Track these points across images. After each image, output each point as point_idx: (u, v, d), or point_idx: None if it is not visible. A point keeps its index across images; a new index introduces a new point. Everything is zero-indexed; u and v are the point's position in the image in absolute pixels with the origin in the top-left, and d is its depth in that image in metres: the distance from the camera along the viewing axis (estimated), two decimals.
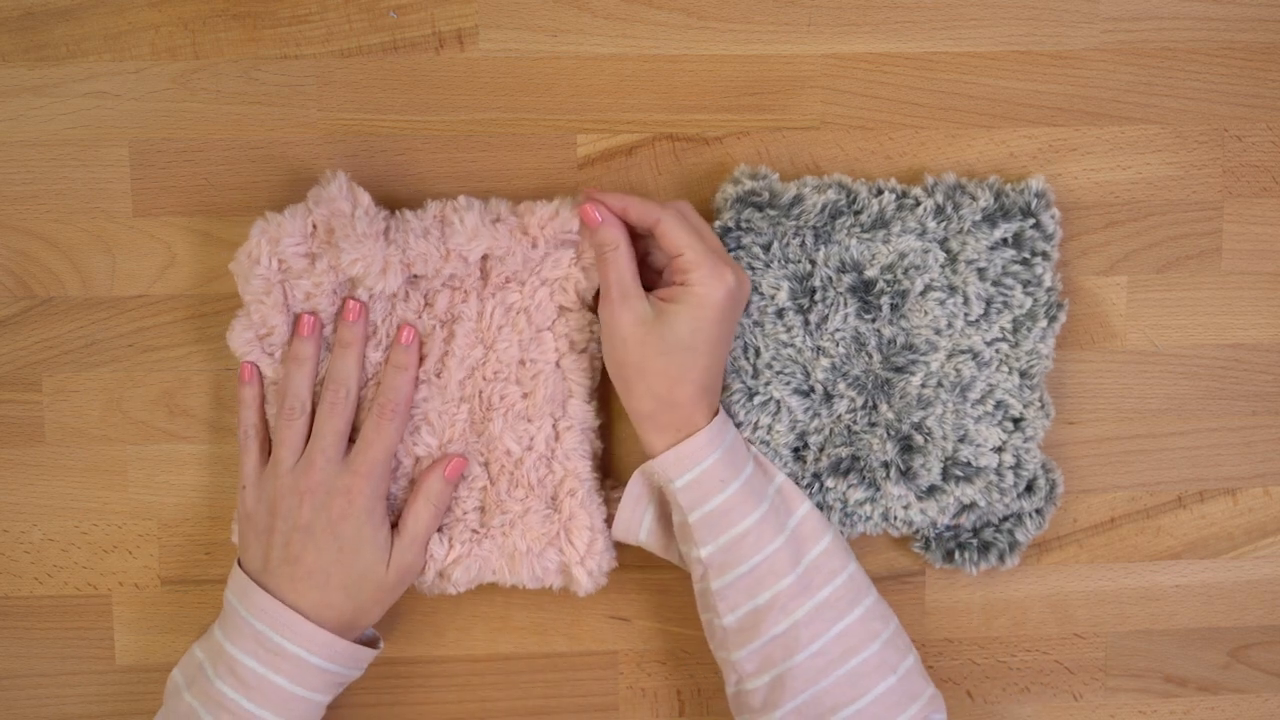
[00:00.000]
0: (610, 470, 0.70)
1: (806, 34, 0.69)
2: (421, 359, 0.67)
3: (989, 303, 0.67)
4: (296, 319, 0.65)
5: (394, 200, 0.68)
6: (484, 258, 0.66)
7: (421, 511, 0.65)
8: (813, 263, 0.67)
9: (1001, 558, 0.69)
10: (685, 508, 0.63)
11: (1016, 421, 0.68)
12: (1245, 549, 0.73)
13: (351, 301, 0.64)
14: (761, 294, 0.67)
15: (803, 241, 0.67)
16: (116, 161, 0.67)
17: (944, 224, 0.67)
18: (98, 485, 0.69)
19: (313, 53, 0.67)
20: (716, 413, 0.64)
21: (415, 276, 0.66)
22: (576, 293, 0.66)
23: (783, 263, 0.67)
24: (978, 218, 0.66)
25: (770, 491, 0.64)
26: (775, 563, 0.62)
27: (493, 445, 0.67)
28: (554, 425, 0.67)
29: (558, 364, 0.67)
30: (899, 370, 0.67)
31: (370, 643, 0.67)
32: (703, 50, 0.68)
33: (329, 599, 0.63)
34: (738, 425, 0.67)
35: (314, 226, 0.64)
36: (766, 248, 0.66)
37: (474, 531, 0.67)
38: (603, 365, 0.68)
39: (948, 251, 0.67)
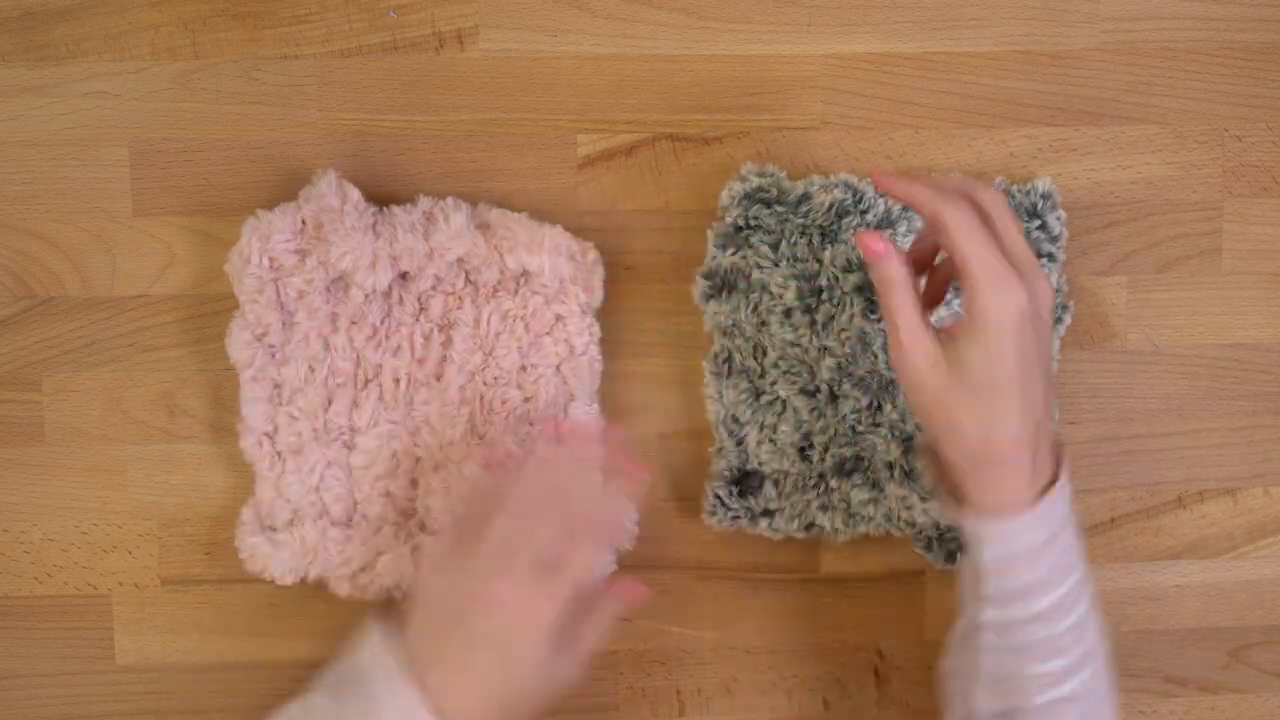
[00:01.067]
0: (608, 472, 0.70)
1: (806, 34, 0.69)
2: (421, 362, 0.67)
3: None
4: (552, 423, 0.61)
5: (394, 200, 0.67)
6: (466, 262, 0.66)
7: (590, 635, 0.58)
8: (820, 262, 0.67)
9: None
10: (986, 572, 0.55)
11: None
12: (1245, 549, 0.73)
13: (557, 420, 0.60)
14: (770, 293, 0.67)
15: (810, 240, 0.67)
16: (116, 161, 0.67)
17: None
18: (98, 485, 0.69)
19: (313, 53, 0.67)
20: (1052, 478, 0.55)
21: (405, 277, 0.66)
22: (577, 303, 0.66)
23: (791, 262, 0.67)
24: None
25: (1075, 575, 0.56)
26: (1057, 644, 0.56)
27: (494, 447, 0.67)
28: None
29: (558, 368, 0.67)
30: None
31: None
32: (703, 50, 0.68)
33: (479, 710, 0.55)
34: (744, 426, 0.67)
35: (304, 223, 0.64)
36: (775, 247, 0.66)
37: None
38: (603, 367, 0.68)
39: None
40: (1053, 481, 0.55)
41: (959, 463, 0.55)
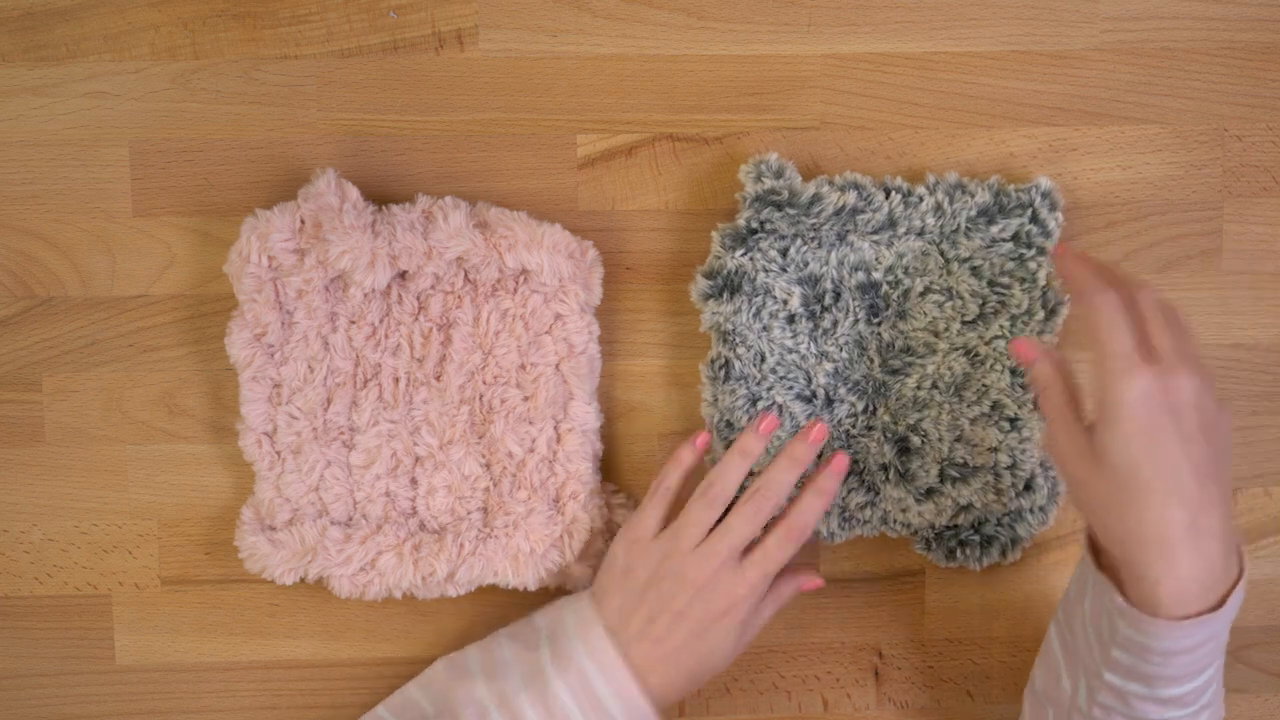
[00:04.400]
0: (609, 471, 0.70)
1: (806, 34, 0.69)
2: (420, 361, 0.67)
3: (984, 302, 0.67)
4: (762, 417, 0.66)
5: (393, 200, 0.67)
6: (465, 260, 0.66)
7: (766, 613, 0.66)
8: (825, 267, 0.67)
9: (1004, 553, 0.69)
10: (1119, 639, 0.54)
11: (1013, 421, 0.68)
12: (1245, 549, 0.73)
13: (819, 425, 0.65)
14: (774, 297, 0.66)
15: (819, 243, 0.67)
16: (116, 161, 0.67)
17: (941, 221, 0.67)
18: (98, 485, 0.69)
19: (313, 53, 0.67)
20: (1225, 592, 0.52)
21: (404, 276, 0.66)
22: (576, 302, 0.66)
23: (799, 267, 0.67)
24: (973, 213, 0.66)
25: (1211, 669, 0.55)
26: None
27: (494, 447, 0.67)
28: (555, 427, 0.67)
29: (557, 367, 0.67)
30: (894, 373, 0.67)
31: None
32: (703, 50, 0.68)
33: (671, 681, 0.62)
34: (739, 431, 0.67)
35: (302, 222, 0.64)
36: (784, 253, 0.66)
37: (477, 532, 0.67)
38: (603, 365, 0.68)
39: (942, 253, 0.67)
40: (1223, 598, 0.53)
41: (1110, 550, 0.55)
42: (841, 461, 0.65)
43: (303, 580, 0.68)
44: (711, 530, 0.63)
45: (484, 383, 0.67)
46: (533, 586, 0.67)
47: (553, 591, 0.69)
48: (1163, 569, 0.52)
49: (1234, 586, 0.53)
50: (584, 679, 0.61)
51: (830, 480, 0.65)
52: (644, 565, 0.63)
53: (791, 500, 0.65)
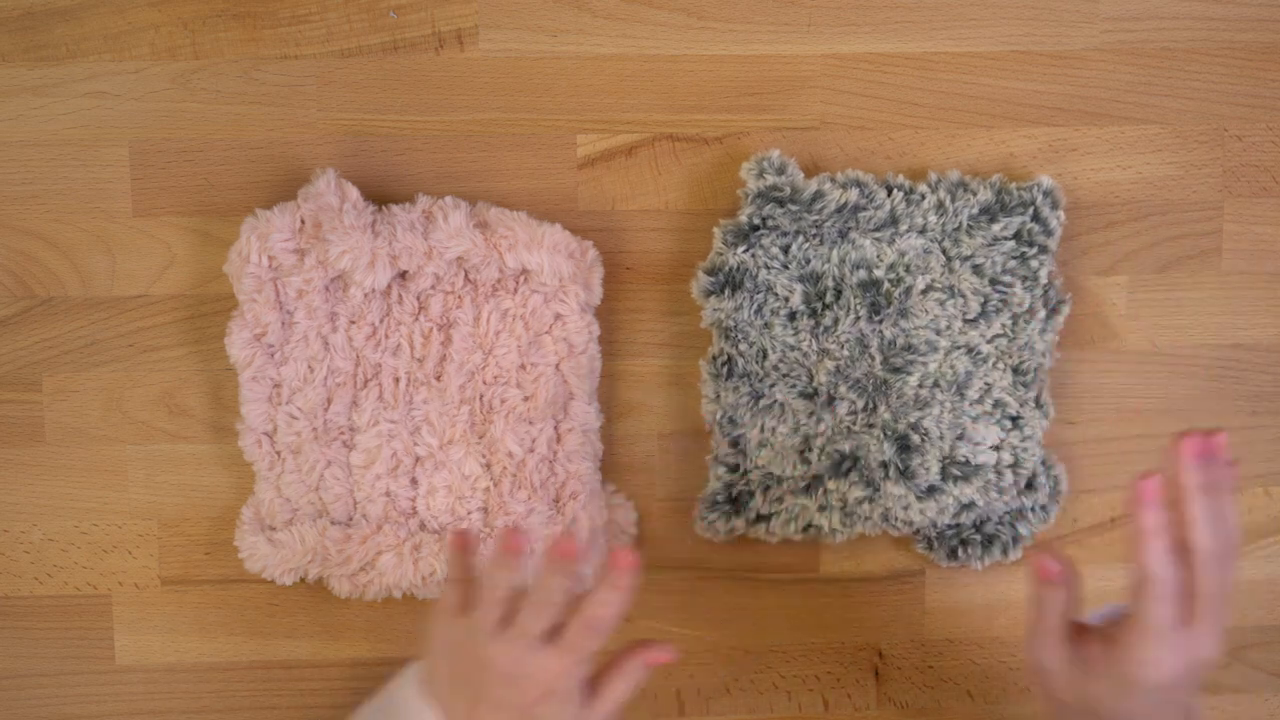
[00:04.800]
0: (609, 471, 0.70)
1: (806, 34, 0.69)
2: (420, 361, 0.67)
3: (985, 300, 0.67)
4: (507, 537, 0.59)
5: (393, 200, 0.67)
6: (465, 260, 0.66)
7: (618, 691, 0.59)
8: (827, 264, 0.67)
9: (1005, 551, 0.69)
10: None
11: (1015, 420, 0.68)
12: (1245, 549, 0.73)
13: (625, 553, 0.58)
14: (775, 294, 0.66)
15: (821, 240, 0.67)
16: (116, 161, 0.67)
17: (943, 219, 0.67)
18: (98, 485, 0.69)
19: (313, 53, 0.67)
20: None
21: (404, 276, 0.66)
22: (576, 302, 0.66)
23: (801, 264, 0.67)
24: (975, 211, 0.66)
25: None
26: None
27: (494, 447, 0.67)
28: (556, 427, 0.67)
29: (558, 367, 0.67)
30: (896, 371, 0.67)
31: None
32: (703, 50, 0.68)
33: None
34: (742, 429, 0.67)
35: (302, 222, 0.64)
36: (785, 250, 0.66)
37: (477, 533, 0.67)
38: (603, 365, 0.68)
39: (944, 251, 0.67)
40: None
41: None
42: (630, 559, 0.58)
43: (302, 580, 0.68)
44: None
45: (484, 383, 0.67)
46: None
47: None
48: None
49: None
50: None
51: (622, 577, 0.57)
52: (456, 650, 0.58)
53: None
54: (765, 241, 0.66)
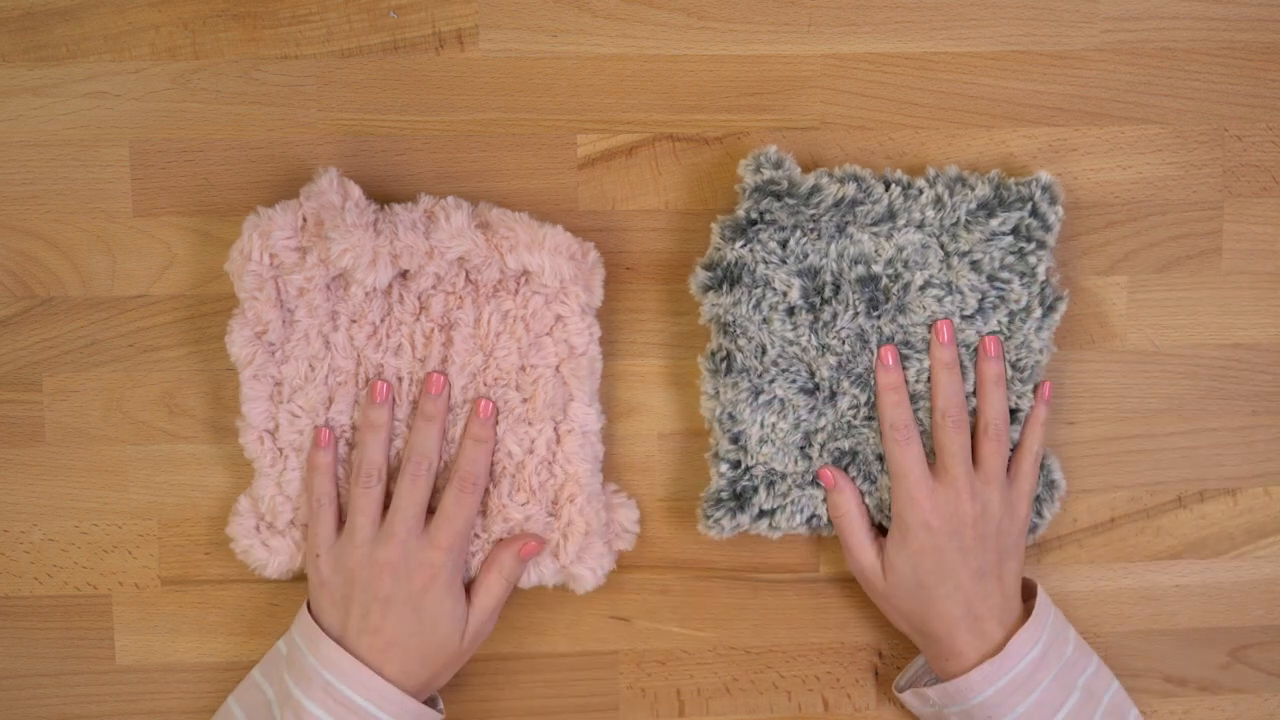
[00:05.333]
0: (609, 471, 0.70)
1: (806, 34, 0.69)
2: (422, 361, 0.67)
3: (983, 296, 0.67)
4: (370, 386, 0.65)
5: (393, 200, 0.67)
6: (466, 261, 0.66)
7: (494, 585, 0.65)
8: (825, 259, 0.67)
9: None
10: None
11: (1013, 414, 0.68)
12: (1245, 549, 0.73)
13: (435, 375, 0.65)
14: (773, 289, 0.66)
15: (818, 235, 0.67)
16: (116, 161, 0.67)
17: (941, 214, 0.67)
18: (98, 485, 0.69)
19: (313, 53, 0.67)
20: (1002, 639, 0.64)
21: (405, 276, 0.66)
22: (577, 303, 0.66)
23: (799, 258, 0.67)
24: (973, 206, 0.66)
25: (1069, 694, 0.64)
26: None
27: (495, 448, 0.67)
28: (555, 429, 0.67)
29: (558, 369, 0.67)
30: None
31: (432, 703, 0.67)
32: (703, 50, 0.68)
33: (408, 668, 0.63)
34: (742, 425, 0.67)
35: (304, 220, 0.64)
36: (783, 244, 0.66)
37: (476, 535, 0.67)
38: (603, 367, 0.68)
39: (942, 246, 0.67)
40: (1010, 632, 0.65)
41: (916, 642, 0.67)
42: (487, 407, 0.65)
43: (299, 578, 0.68)
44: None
45: (485, 384, 0.67)
46: (523, 585, 0.67)
47: (553, 590, 0.69)
48: (948, 646, 0.65)
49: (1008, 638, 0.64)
50: (328, 689, 0.61)
51: (482, 427, 0.65)
52: (337, 570, 0.64)
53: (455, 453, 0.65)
54: (763, 236, 0.66)
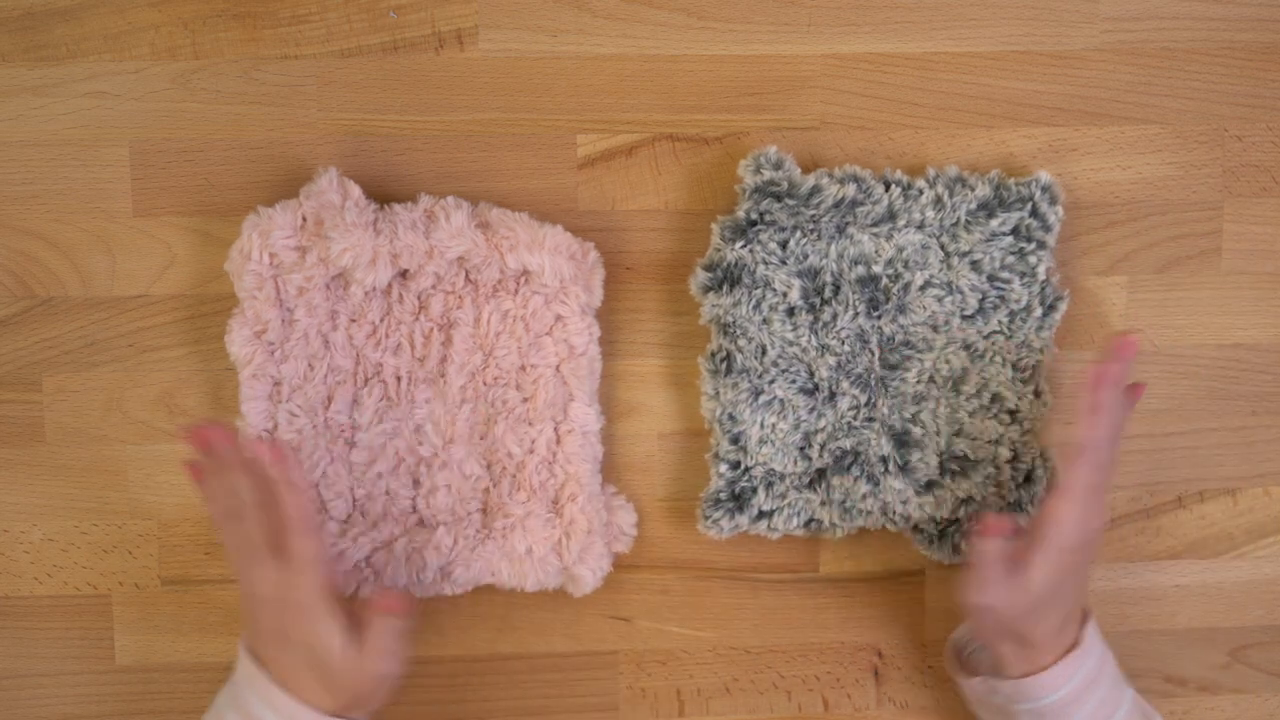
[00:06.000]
0: (609, 472, 0.70)
1: (806, 34, 0.69)
2: (421, 360, 0.67)
3: (983, 296, 0.67)
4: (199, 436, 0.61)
5: (393, 200, 0.67)
6: (466, 261, 0.66)
7: (381, 639, 0.61)
8: (825, 259, 0.67)
9: None
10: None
11: (1012, 414, 0.68)
12: (1245, 549, 0.73)
13: (204, 429, 0.61)
14: (773, 289, 0.66)
15: (819, 235, 0.67)
16: (116, 161, 0.67)
17: (941, 215, 0.67)
18: (98, 485, 0.69)
19: (313, 53, 0.67)
20: (1072, 645, 0.64)
21: (405, 275, 0.66)
22: (577, 303, 0.66)
23: (799, 259, 0.67)
24: (973, 207, 0.66)
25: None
26: None
27: (495, 447, 0.67)
28: (555, 428, 0.67)
29: (558, 369, 0.67)
30: (893, 368, 0.67)
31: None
32: (703, 50, 0.68)
33: (314, 694, 0.60)
34: (742, 426, 0.67)
35: (304, 219, 0.64)
36: (783, 245, 0.66)
37: (476, 532, 0.67)
38: (603, 367, 0.68)
39: (942, 246, 0.67)
40: (1074, 645, 0.64)
41: (994, 644, 0.64)
42: (273, 449, 0.61)
43: None
44: None
45: (484, 384, 0.67)
46: (530, 588, 0.67)
47: (554, 590, 0.69)
48: (1039, 649, 0.63)
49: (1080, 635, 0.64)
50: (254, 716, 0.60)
51: (277, 466, 0.60)
52: (244, 600, 0.61)
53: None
54: (763, 237, 0.66)
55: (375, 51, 0.68)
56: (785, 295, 0.66)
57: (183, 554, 0.69)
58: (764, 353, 0.67)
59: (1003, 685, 0.64)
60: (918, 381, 0.67)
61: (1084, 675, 0.63)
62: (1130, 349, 0.62)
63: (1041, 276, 0.67)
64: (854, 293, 0.67)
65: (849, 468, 0.67)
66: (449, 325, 0.67)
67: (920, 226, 0.67)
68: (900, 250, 0.67)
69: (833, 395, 0.67)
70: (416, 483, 0.67)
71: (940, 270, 0.67)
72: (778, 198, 0.65)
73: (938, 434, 0.67)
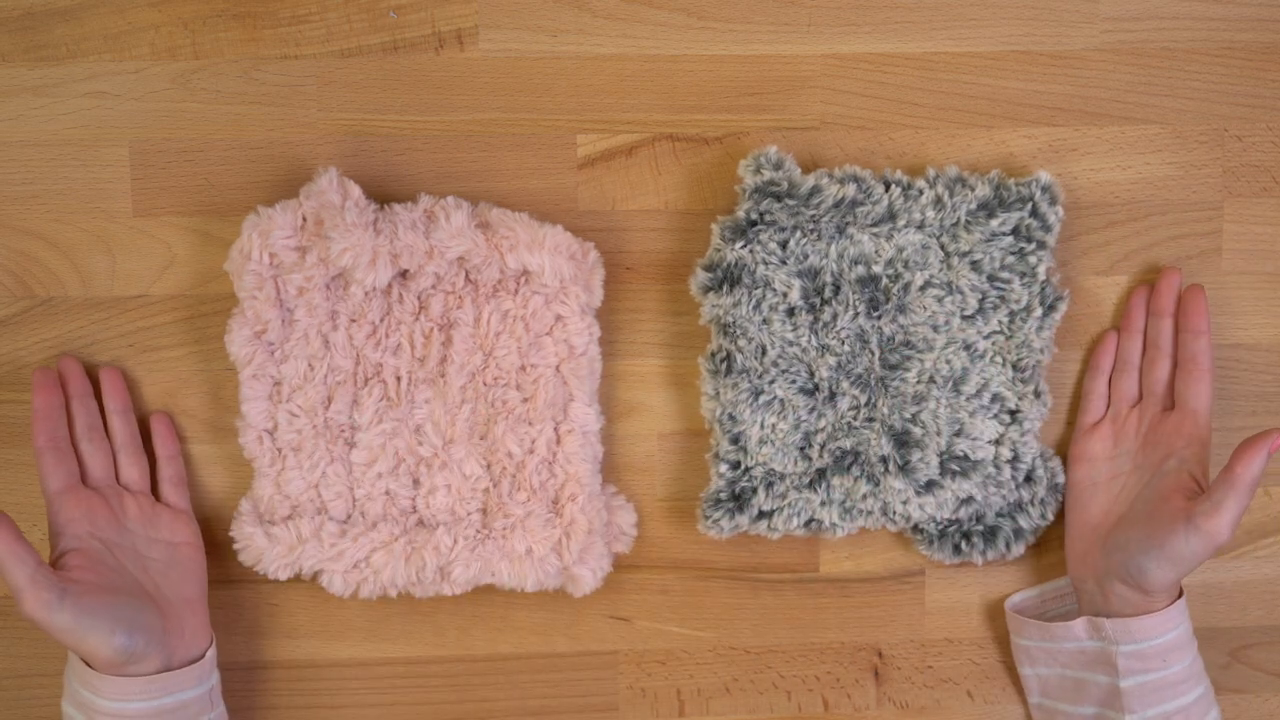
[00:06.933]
0: (609, 472, 0.70)
1: (806, 34, 0.69)
2: (421, 360, 0.67)
3: (983, 296, 0.67)
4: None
5: (393, 200, 0.67)
6: (466, 261, 0.66)
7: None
8: (825, 260, 0.67)
9: (1007, 545, 0.69)
10: (1122, 672, 0.66)
11: (1013, 414, 0.68)
12: (1245, 549, 0.73)
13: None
14: (773, 290, 0.66)
15: (819, 235, 0.67)
16: (116, 161, 0.67)
17: (941, 215, 0.67)
18: None
19: (313, 53, 0.67)
20: (1179, 594, 0.67)
21: (405, 275, 0.66)
22: (577, 303, 0.66)
23: (799, 259, 0.67)
24: (973, 207, 0.66)
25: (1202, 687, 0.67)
26: None
27: (495, 447, 0.67)
28: (555, 429, 0.67)
29: (558, 369, 0.67)
30: (893, 368, 0.67)
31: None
32: (703, 50, 0.68)
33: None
34: (742, 426, 0.67)
35: (304, 219, 0.64)
36: (783, 245, 0.66)
37: (476, 532, 0.67)
38: (603, 367, 0.68)
39: (943, 246, 0.67)
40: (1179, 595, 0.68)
41: (1111, 589, 0.66)
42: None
43: (298, 577, 0.68)
44: None
45: (484, 384, 0.67)
46: (530, 588, 0.67)
47: (554, 591, 0.69)
48: (1149, 598, 0.66)
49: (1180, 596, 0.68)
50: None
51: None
52: None
53: None
54: (763, 237, 0.66)
55: (375, 51, 0.68)
56: (785, 295, 0.66)
57: None
58: (764, 353, 0.67)
59: (1109, 625, 0.66)
60: (918, 381, 0.67)
61: (1187, 628, 0.66)
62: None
63: (1041, 276, 0.67)
64: (854, 293, 0.67)
65: (849, 468, 0.67)
66: (449, 325, 0.67)
67: (920, 226, 0.67)
68: (900, 250, 0.67)
69: (833, 395, 0.67)
70: (416, 483, 0.67)
71: (940, 270, 0.67)
72: (778, 198, 0.65)
73: (938, 434, 0.67)
